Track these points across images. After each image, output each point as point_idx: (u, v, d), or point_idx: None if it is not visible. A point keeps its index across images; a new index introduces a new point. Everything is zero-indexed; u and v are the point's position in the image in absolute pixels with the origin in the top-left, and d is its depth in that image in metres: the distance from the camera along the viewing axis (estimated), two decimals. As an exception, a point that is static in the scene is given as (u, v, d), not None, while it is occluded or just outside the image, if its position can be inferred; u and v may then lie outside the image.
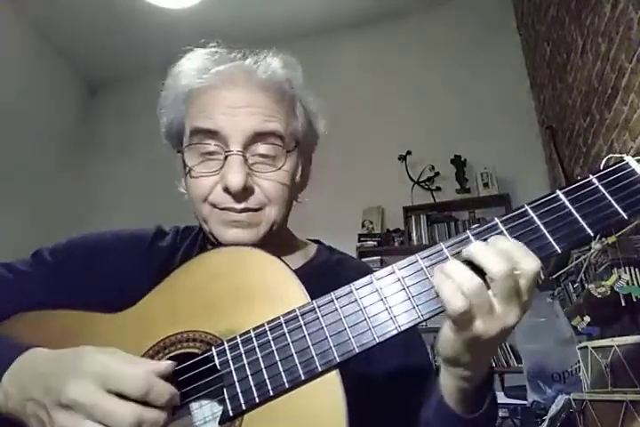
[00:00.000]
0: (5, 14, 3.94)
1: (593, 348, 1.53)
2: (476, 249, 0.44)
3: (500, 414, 2.40)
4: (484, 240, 0.46)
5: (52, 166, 4.31)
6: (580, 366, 1.78)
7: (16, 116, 3.89)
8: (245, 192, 0.63)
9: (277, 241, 0.70)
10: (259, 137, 0.64)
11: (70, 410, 0.44)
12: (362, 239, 3.45)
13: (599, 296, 1.65)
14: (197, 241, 0.76)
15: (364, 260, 3.30)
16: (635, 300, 1.58)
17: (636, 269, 1.66)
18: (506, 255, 0.43)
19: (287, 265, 0.55)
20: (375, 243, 3.42)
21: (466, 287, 0.43)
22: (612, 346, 1.43)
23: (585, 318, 1.85)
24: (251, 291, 0.55)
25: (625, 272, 1.66)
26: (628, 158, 0.47)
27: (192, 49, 0.71)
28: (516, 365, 2.80)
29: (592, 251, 1.81)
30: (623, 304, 1.61)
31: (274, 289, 0.54)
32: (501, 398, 2.51)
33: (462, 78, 3.74)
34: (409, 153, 3.59)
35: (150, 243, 0.74)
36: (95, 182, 4.45)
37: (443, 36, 3.93)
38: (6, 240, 3.65)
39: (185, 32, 4.07)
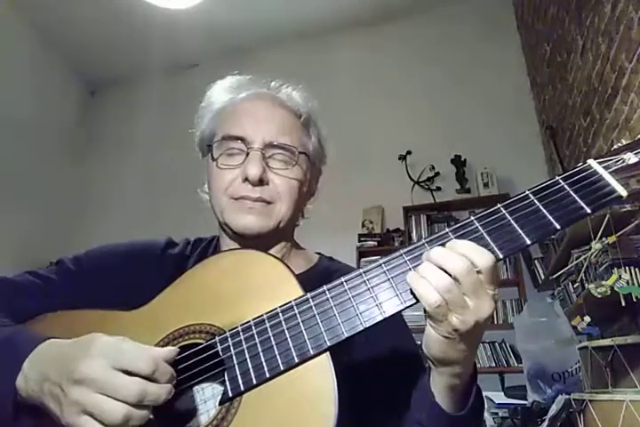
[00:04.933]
0: (6, 15, 3.95)
1: (593, 348, 1.53)
2: (435, 254, 0.50)
3: (500, 414, 2.39)
4: (462, 236, 0.53)
5: (52, 166, 4.31)
6: (580, 366, 1.78)
7: (16, 116, 3.89)
8: (261, 183, 0.72)
9: (283, 242, 0.80)
10: (275, 143, 0.75)
11: (82, 385, 0.49)
12: (362, 239, 3.44)
13: (599, 296, 1.65)
14: (209, 250, 0.82)
15: (363, 260, 3.31)
16: (635, 300, 1.58)
17: (636, 269, 1.66)
18: (463, 255, 0.49)
19: (287, 266, 0.60)
20: (375, 243, 3.42)
21: (436, 284, 0.48)
22: (611, 346, 1.44)
23: (585, 318, 1.85)
24: (254, 288, 0.60)
25: (625, 272, 1.66)
26: (591, 161, 0.52)
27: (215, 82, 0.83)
28: (515, 365, 2.79)
29: (592, 251, 1.81)
30: (623, 304, 1.61)
31: (275, 287, 0.59)
32: (501, 398, 2.50)
33: (462, 78, 3.74)
34: (409, 153, 3.59)
35: (162, 250, 0.81)
36: (95, 182, 4.45)
37: (443, 37, 3.94)
38: (6, 239, 3.65)
39: (185, 32, 4.10)
